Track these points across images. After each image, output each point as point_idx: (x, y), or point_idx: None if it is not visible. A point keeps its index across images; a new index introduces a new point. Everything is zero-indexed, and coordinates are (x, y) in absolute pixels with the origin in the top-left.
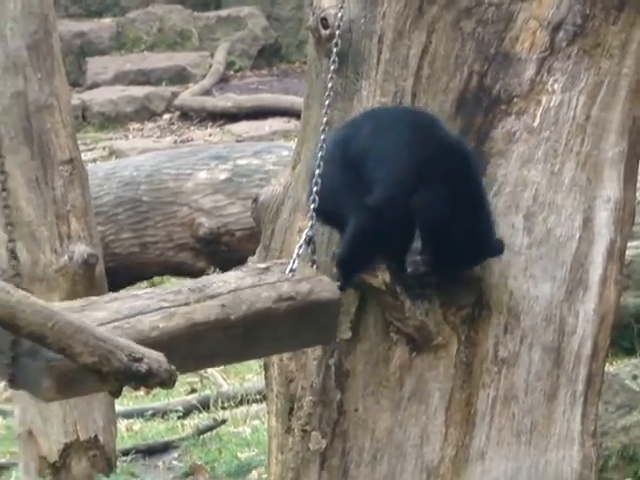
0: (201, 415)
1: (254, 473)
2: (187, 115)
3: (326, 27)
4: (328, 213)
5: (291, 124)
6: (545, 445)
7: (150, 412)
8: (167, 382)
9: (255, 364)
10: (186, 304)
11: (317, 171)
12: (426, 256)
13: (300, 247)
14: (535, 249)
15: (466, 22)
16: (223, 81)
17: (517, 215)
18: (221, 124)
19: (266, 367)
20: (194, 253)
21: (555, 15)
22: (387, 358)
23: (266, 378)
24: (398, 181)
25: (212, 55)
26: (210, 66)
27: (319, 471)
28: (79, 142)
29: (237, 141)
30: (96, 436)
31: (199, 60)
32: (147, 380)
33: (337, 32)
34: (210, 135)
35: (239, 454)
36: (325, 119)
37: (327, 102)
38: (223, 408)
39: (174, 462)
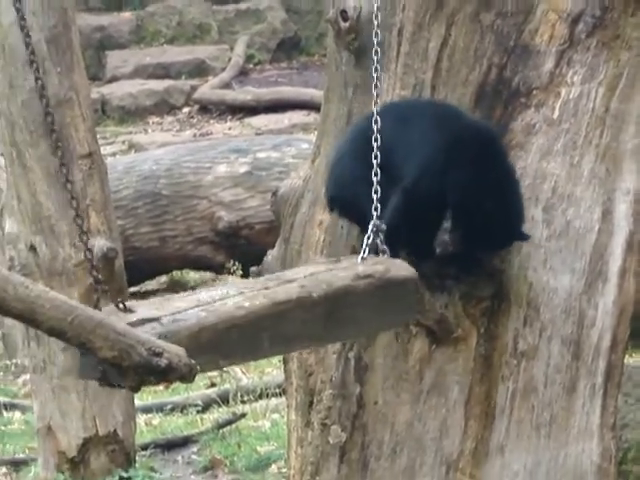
0: (220, 409)
1: (274, 467)
2: (206, 108)
3: (346, 19)
4: (347, 205)
5: (310, 117)
6: (564, 438)
7: (169, 406)
8: (187, 376)
9: (275, 358)
10: (266, 288)
11: (375, 144)
12: (455, 235)
13: (368, 238)
14: (554, 241)
15: (485, 14)
16: (242, 74)
17: (536, 207)
18: (240, 117)
19: (285, 361)
20: (213, 247)
21: (574, 7)
22: (406, 351)
23: (285, 371)
24: (429, 164)
25: (231, 48)
26: (229, 59)
27: (339, 464)
28: (98, 136)
29: (256, 134)
30: (115, 431)
31: (218, 53)
32: (167, 375)
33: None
34: (229, 128)
35: (258, 448)
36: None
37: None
38: (242, 402)
39: (193, 456)
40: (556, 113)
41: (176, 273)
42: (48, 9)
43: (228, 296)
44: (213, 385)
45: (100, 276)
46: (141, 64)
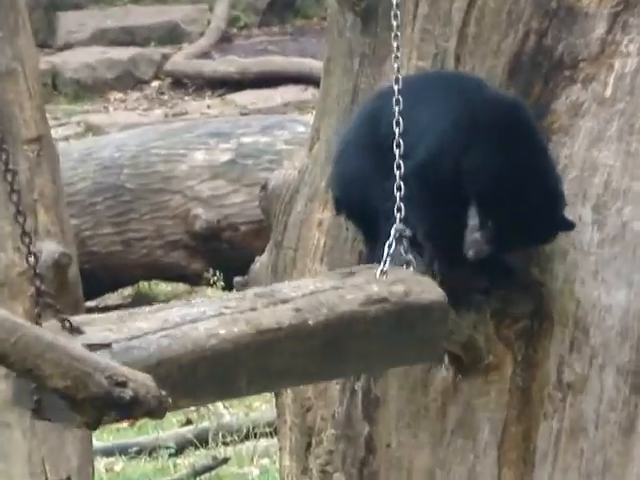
0: (198, 452)
1: None
2: (180, 82)
3: None
4: (354, 204)
5: (308, 93)
6: None
7: (135, 448)
8: (156, 411)
9: None
10: (252, 309)
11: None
12: (488, 232)
13: (390, 246)
14: (607, 247)
15: None
16: (225, 41)
17: (585, 206)
18: (222, 93)
19: (277, 393)
20: (189, 252)
21: None
22: (426, 382)
23: (277, 406)
24: (442, 142)
25: (211, 8)
26: (208, 22)
27: None
28: (49, 116)
29: (241, 114)
30: (69, 478)
31: (195, 15)
32: (132, 409)
33: None
34: (209, 107)
35: None
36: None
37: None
38: (225, 444)
39: None
40: (609, 90)
41: (143, 284)
42: None
43: (203, 317)
44: (189, 422)
45: (44, 287)
46: (100, 28)
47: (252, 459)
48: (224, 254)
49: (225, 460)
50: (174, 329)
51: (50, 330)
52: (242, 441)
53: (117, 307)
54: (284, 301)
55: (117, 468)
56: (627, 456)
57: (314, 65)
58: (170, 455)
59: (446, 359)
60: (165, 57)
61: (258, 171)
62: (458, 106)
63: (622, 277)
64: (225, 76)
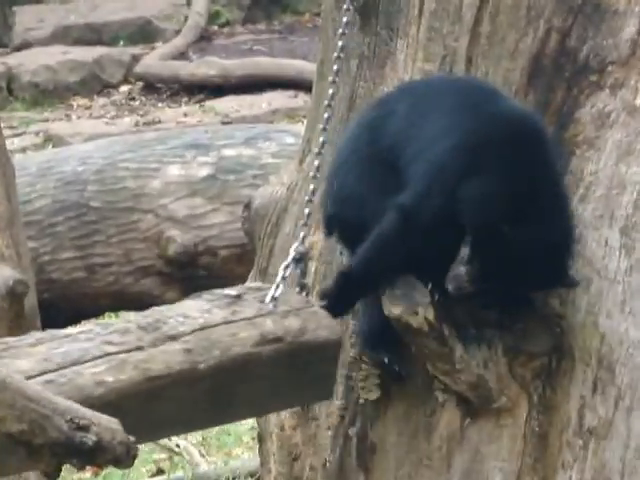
0: None
1: None
2: (153, 87)
3: None
4: (348, 223)
5: (298, 100)
6: None
7: None
8: (123, 459)
9: (246, 435)
10: (139, 348)
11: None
12: (473, 269)
13: (287, 267)
14: (637, 275)
15: None
16: (204, 40)
17: (612, 228)
18: (201, 99)
19: (261, 439)
20: (162, 280)
21: None
22: (429, 427)
23: (261, 454)
24: (439, 171)
25: (189, 3)
26: (186, 18)
27: None
28: (3, 124)
29: (222, 123)
30: None
31: (170, 10)
32: (96, 456)
33: None
34: (185, 115)
35: None
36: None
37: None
38: None
39: None
40: (639, 98)
41: (109, 316)
42: None
43: (87, 358)
44: (160, 472)
45: None
46: (62, 25)
47: None
48: (201, 282)
49: None
50: (57, 372)
51: None
52: None
53: None
54: (172, 337)
55: None
56: None
57: (305, 68)
58: None
59: (454, 401)
60: (136, 58)
61: (241, 188)
62: (462, 123)
63: None
64: (204, 80)
